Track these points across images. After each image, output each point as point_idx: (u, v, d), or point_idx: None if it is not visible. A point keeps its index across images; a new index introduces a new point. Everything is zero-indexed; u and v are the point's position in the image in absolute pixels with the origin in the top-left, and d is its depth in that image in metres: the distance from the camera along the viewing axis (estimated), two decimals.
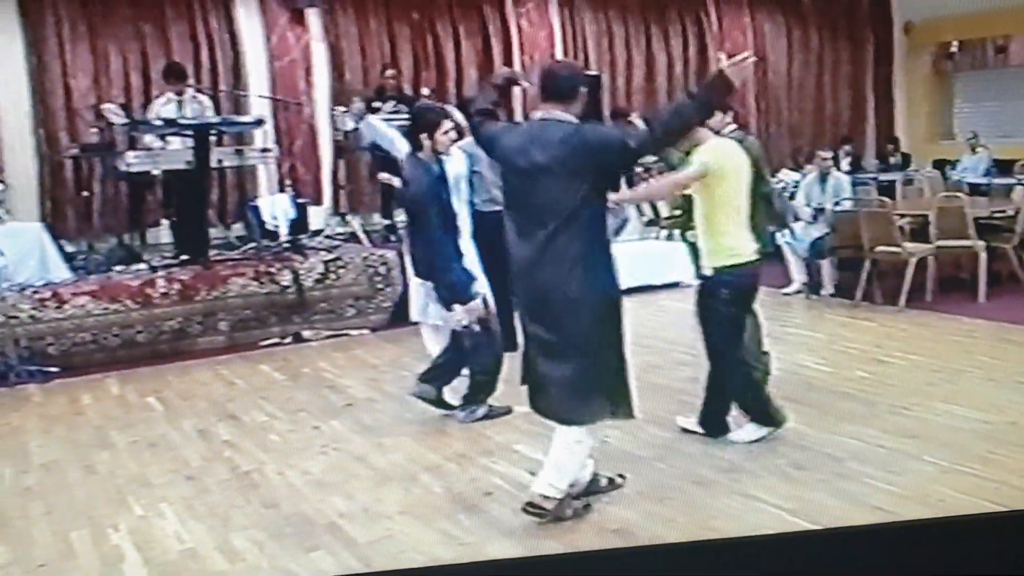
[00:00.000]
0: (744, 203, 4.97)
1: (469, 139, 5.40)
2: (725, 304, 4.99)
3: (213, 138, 8.42)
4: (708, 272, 5.03)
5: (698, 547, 3.38)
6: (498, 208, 4.64)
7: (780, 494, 4.50)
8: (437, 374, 5.86)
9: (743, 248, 4.97)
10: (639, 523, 4.29)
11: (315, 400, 6.44)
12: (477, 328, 5.55)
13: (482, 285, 5.59)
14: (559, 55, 10.91)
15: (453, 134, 5.62)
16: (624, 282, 4.25)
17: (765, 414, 5.18)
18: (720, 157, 4.90)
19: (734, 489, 4.61)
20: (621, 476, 4.67)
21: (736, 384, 5.17)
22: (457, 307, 5.48)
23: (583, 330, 4.05)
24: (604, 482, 4.59)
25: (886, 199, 9.02)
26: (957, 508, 4.22)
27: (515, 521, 4.35)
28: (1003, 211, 8.78)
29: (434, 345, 6.29)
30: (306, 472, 5.08)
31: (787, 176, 10.50)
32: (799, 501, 4.40)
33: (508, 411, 5.75)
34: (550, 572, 3.05)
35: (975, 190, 10.04)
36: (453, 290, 5.46)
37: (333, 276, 8.41)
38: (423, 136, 5.48)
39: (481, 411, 5.79)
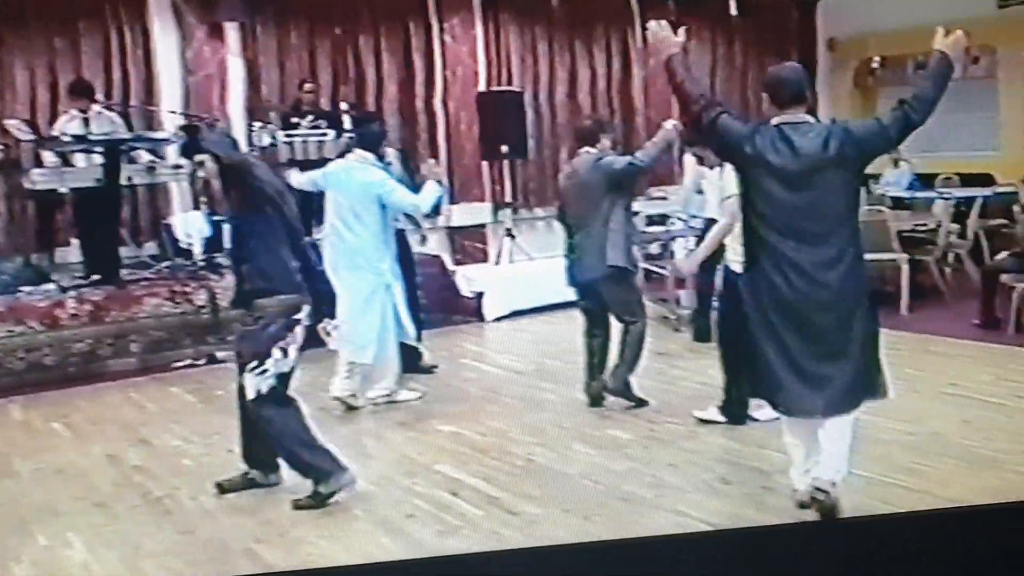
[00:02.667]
0: None
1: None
2: None
3: (125, 155, 8.20)
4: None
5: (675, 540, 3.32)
6: None
7: (707, 509, 4.48)
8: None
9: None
10: (565, 540, 4.22)
11: (230, 423, 6.17)
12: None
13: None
14: (482, 71, 10.85)
15: None
16: None
17: None
18: None
19: (660, 505, 4.58)
20: None
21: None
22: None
23: (865, 326, 4.12)
24: None
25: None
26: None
27: (439, 543, 4.29)
28: (925, 224, 8.93)
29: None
30: (221, 497, 4.93)
31: None
32: (726, 516, 4.39)
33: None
34: (521, 565, 2.96)
35: (898, 204, 10.21)
36: None
37: None
38: None
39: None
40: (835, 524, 3.71)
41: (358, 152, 6.33)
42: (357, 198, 6.14)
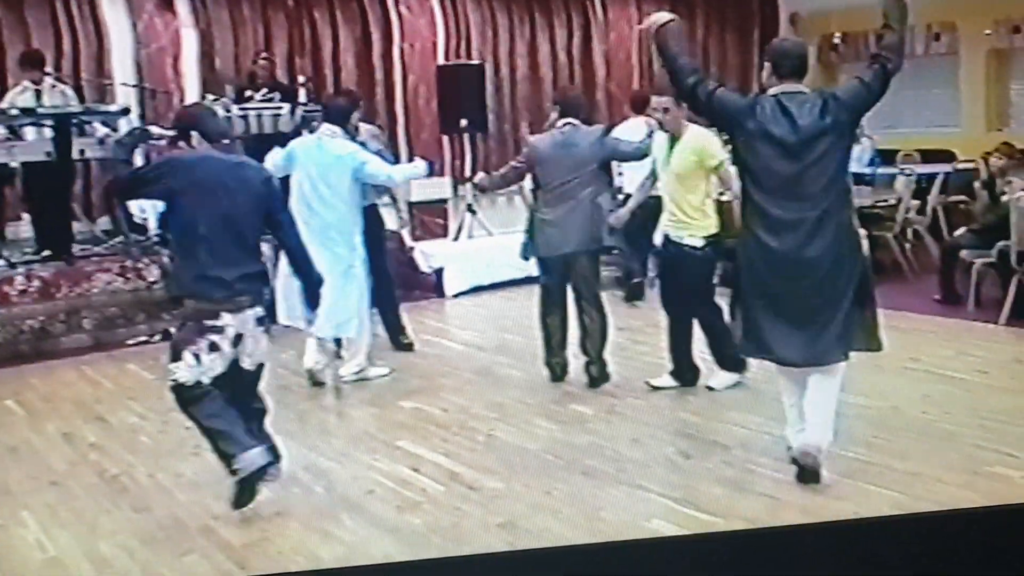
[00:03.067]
0: None
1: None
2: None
3: (77, 128, 8.03)
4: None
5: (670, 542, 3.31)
6: None
7: (667, 483, 4.49)
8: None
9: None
10: (525, 515, 4.24)
11: None
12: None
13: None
14: (441, 44, 10.73)
15: None
16: None
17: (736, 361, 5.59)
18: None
19: (621, 479, 4.58)
20: None
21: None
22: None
23: (856, 280, 4.34)
24: None
25: None
26: (842, 492, 4.27)
27: (398, 519, 4.27)
28: (886, 201, 8.99)
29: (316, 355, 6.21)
30: (178, 474, 4.87)
31: None
32: (686, 490, 4.40)
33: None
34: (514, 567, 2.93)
35: (859, 180, 10.24)
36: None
37: None
38: None
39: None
40: (822, 527, 3.73)
41: (327, 126, 6.27)
42: (330, 171, 6.07)
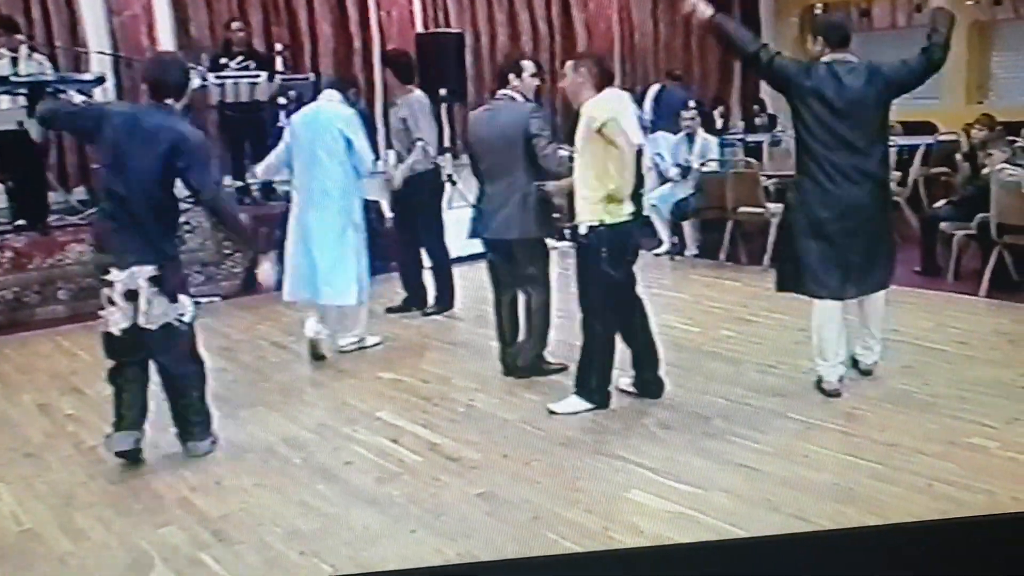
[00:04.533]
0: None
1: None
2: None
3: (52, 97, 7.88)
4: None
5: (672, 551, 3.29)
6: None
7: (646, 454, 4.48)
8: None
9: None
10: (505, 485, 4.23)
11: None
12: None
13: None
14: (418, 12, 10.64)
15: None
16: None
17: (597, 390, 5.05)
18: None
19: (600, 450, 4.58)
20: None
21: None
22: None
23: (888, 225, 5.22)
24: None
25: (752, 160, 9.11)
26: (822, 463, 4.27)
27: (377, 489, 4.26)
28: None
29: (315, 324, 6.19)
30: (155, 445, 4.80)
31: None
32: (665, 461, 4.39)
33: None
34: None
35: None
36: None
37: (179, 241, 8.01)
38: None
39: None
40: (820, 535, 3.73)
41: (328, 92, 6.33)
42: (325, 134, 6.07)
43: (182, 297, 4.55)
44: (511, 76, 5.57)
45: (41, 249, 7.61)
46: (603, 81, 4.97)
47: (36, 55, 8.31)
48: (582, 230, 4.86)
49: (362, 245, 6.23)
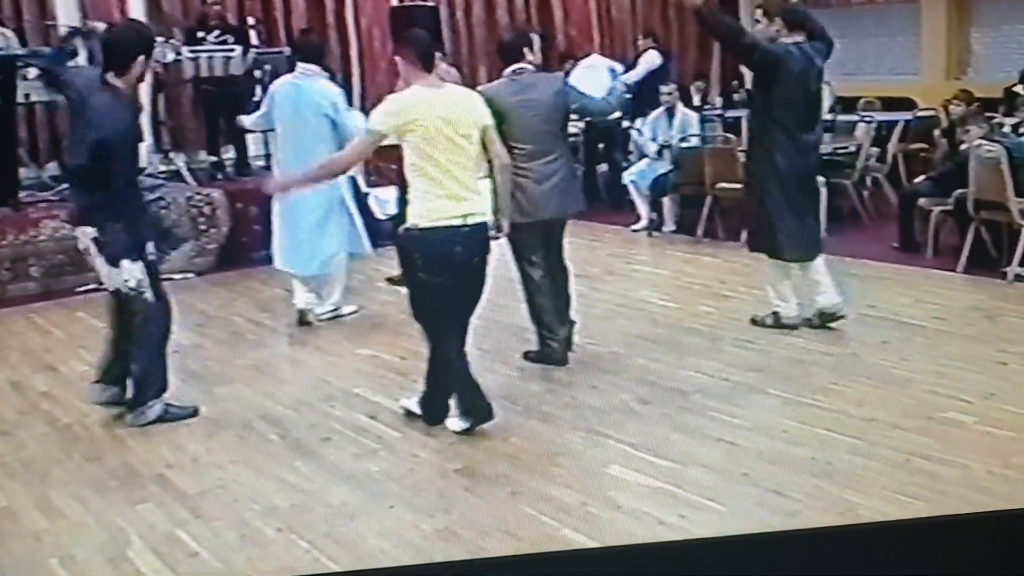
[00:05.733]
0: None
1: None
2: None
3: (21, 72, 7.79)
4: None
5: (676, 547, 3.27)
6: None
7: (625, 429, 4.48)
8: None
9: None
10: (483, 460, 4.23)
11: None
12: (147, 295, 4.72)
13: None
14: None
15: None
16: None
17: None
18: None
19: (579, 425, 4.57)
20: None
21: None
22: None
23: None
24: None
25: (731, 136, 9.09)
26: (800, 438, 4.28)
27: (355, 466, 4.24)
28: (845, 148, 8.97)
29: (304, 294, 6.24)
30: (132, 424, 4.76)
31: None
32: (644, 436, 4.39)
33: (194, 413, 4.87)
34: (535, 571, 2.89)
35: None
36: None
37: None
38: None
39: (155, 411, 4.80)
40: (825, 532, 3.72)
41: (302, 65, 6.21)
42: (305, 111, 6.03)
43: (124, 263, 4.62)
44: (525, 50, 5.32)
45: (13, 225, 7.52)
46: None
47: (2, 29, 8.18)
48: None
49: (344, 218, 6.24)
